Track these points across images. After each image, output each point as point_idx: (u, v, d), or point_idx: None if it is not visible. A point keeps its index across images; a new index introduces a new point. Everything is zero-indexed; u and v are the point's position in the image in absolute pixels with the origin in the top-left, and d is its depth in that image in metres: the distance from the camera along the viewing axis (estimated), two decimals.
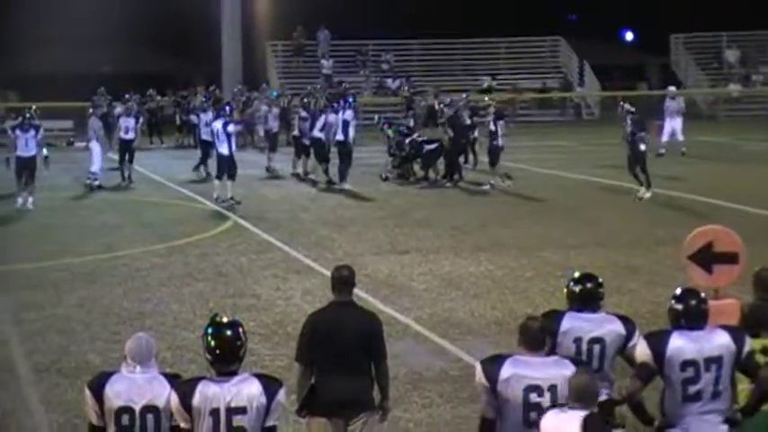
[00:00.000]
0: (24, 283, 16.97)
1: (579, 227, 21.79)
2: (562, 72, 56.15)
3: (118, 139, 30.76)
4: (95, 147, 28.73)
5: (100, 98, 40.96)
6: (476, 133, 30.09)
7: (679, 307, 7.74)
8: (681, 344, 7.61)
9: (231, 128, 25.36)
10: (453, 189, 27.68)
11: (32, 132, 25.11)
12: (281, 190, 28.32)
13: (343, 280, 8.64)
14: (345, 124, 27.60)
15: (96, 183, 28.42)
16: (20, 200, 24.63)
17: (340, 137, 27.72)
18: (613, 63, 60.82)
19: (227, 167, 25.19)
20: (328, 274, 16.61)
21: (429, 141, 29.03)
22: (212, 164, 30.40)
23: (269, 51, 55.82)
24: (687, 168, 31.04)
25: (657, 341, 7.68)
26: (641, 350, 7.72)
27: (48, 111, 37.19)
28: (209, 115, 30.79)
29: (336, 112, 28.42)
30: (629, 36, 71.56)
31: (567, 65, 56.38)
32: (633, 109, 25.25)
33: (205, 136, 30.32)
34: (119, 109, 36.61)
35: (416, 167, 29.40)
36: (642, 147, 24.12)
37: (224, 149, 25.29)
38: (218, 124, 25.58)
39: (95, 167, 28.60)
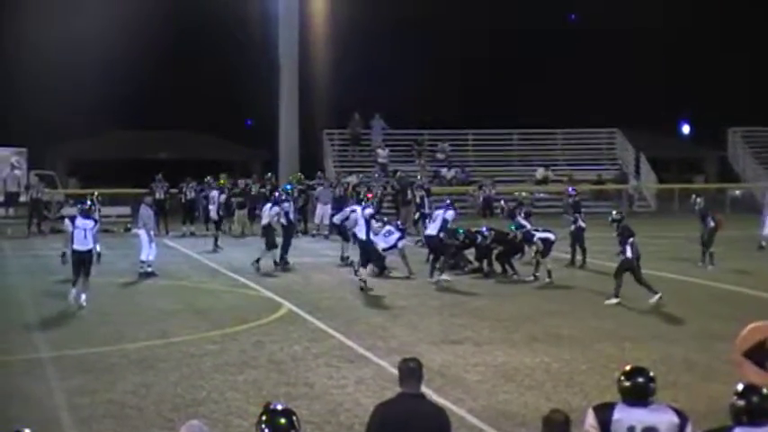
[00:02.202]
0: (79, 368, 17.02)
1: (634, 319, 21.63)
2: (618, 164, 56.11)
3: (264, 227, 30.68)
4: (143, 235, 28.78)
5: (157, 184, 41.51)
6: (581, 223, 30.11)
7: (741, 403, 7.67)
8: None
9: (369, 211, 26.35)
10: (508, 280, 27.61)
11: (92, 224, 23.69)
12: (335, 278, 28.33)
13: (411, 372, 8.59)
14: (445, 222, 27.57)
15: (149, 269, 28.47)
16: (73, 292, 23.17)
17: (432, 231, 27.79)
18: (670, 156, 60.77)
19: (372, 252, 26.12)
20: (382, 363, 16.75)
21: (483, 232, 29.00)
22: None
23: (325, 139, 56.27)
24: (750, 263, 30.68)
25: None
26: None
27: (105, 197, 37.66)
28: (288, 205, 31.54)
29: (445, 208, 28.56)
30: (685, 129, 71.55)
31: (624, 157, 56.37)
32: (619, 217, 24.43)
33: (285, 221, 30.94)
34: (214, 192, 37.30)
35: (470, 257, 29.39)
36: (629, 254, 23.55)
37: (363, 235, 25.98)
38: (359, 210, 26.47)
39: (144, 255, 28.62)
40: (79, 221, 23.50)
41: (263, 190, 42.51)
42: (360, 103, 55.62)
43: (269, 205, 30.67)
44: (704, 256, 29.96)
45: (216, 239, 35.89)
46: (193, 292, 25.84)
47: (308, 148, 54.87)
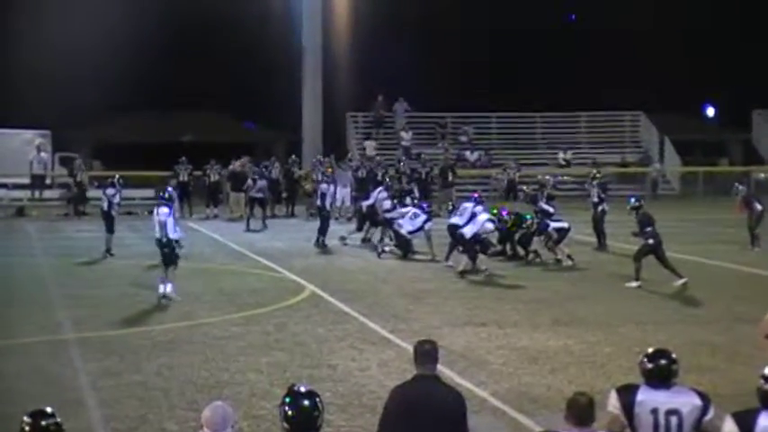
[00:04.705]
0: (104, 350, 17.09)
1: (658, 303, 21.59)
2: (642, 147, 55.87)
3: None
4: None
5: (181, 167, 41.63)
6: (605, 206, 30.20)
7: None
8: None
9: (480, 209, 26.30)
10: (531, 263, 27.58)
11: (171, 212, 22.06)
12: (359, 261, 28.37)
13: (427, 354, 8.59)
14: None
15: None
16: (170, 287, 21.78)
17: (457, 222, 27.29)
18: (694, 139, 60.47)
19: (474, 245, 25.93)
20: (404, 345, 16.77)
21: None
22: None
23: (349, 122, 56.18)
24: None
25: (745, 420, 7.55)
26: (728, 429, 7.60)
27: (129, 180, 37.69)
28: (330, 188, 32.10)
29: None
30: (710, 111, 71.18)
31: (648, 140, 56.12)
32: (638, 204, 24.06)
33: (320, 203, 31.82)
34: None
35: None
36: (650, 240, 23.45)
37: (469, 231, 25.64)
38: (471, 206, 26.42)
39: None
40: (167, 208, 21.97)
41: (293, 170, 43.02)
42: (384, 85, 55.42)
43: (379, 189, 31.97)
44: (753, 240, 30.03)
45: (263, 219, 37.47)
46: (217, 275, 25.89)
47: (332, 130, 54.78)
